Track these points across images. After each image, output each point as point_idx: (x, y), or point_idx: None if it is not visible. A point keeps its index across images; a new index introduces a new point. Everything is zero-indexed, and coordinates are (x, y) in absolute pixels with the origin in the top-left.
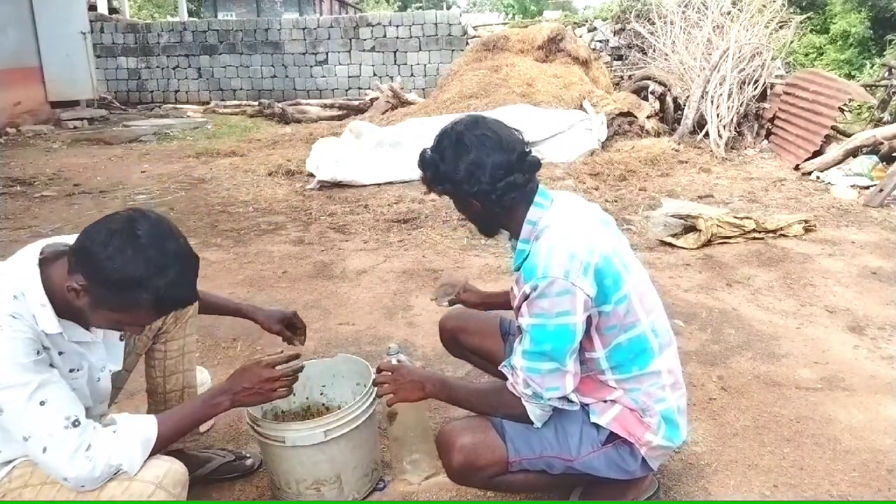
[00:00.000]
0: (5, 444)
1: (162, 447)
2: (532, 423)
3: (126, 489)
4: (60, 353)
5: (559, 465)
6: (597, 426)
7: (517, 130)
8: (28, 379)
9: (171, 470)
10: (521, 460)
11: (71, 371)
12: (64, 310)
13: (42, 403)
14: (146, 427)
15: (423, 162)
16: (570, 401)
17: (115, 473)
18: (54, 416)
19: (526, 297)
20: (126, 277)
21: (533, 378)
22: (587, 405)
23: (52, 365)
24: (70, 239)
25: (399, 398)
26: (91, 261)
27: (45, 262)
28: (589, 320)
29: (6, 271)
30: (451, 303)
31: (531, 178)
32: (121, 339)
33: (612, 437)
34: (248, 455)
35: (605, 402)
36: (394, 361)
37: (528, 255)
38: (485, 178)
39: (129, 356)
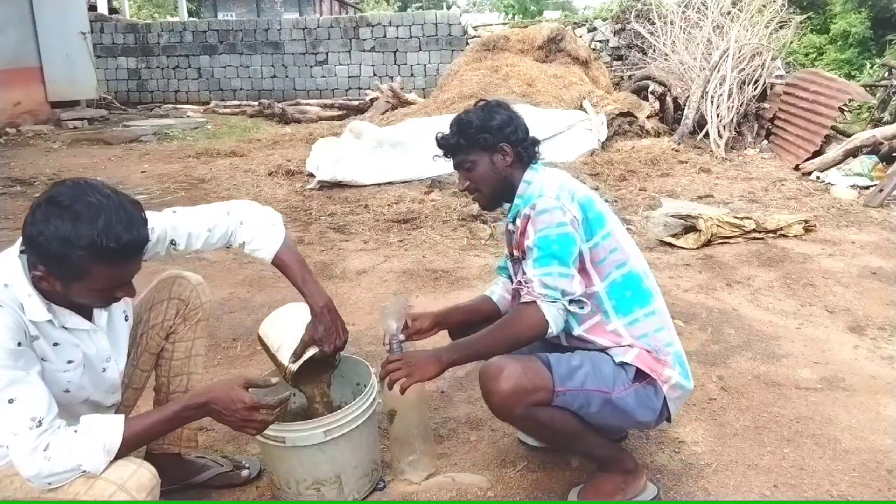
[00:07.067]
0: None
1: (129, 450)
2: (550, 329)
3: (90, 488)
4: (55, 345)
5: (598, 399)
6: (623, 368)
7: None
8: (2, 373)
9: (137, 473)
10: (565, 391)
11: (69, 363)
12: (58, 300)
13: (10, 401)
14: (111, 429)
15: (459, 125)
16: (580, 304)
17: (81, 472)
18: (20, 415)
19: (528, 219)
20: (59, 242)
21: (547, 280)
22: (608, 349)
23: (43, 359)
24: None
25: (417, 378)
26: (31, 244)
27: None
28: (582, 258)
29: None
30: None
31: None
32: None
33: (638, 378)
34: (245, 465)
35: (622, 346)
36: (394, 342)
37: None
38: (521, 126)
39: (142, 355)
